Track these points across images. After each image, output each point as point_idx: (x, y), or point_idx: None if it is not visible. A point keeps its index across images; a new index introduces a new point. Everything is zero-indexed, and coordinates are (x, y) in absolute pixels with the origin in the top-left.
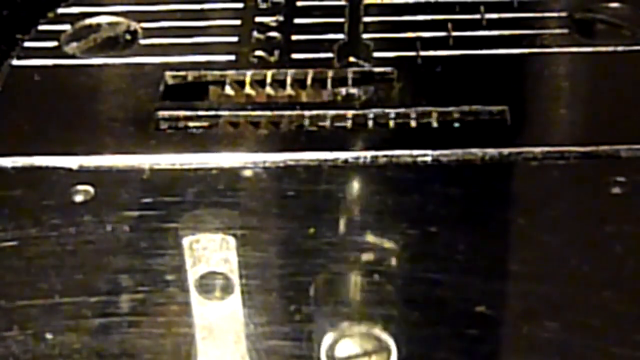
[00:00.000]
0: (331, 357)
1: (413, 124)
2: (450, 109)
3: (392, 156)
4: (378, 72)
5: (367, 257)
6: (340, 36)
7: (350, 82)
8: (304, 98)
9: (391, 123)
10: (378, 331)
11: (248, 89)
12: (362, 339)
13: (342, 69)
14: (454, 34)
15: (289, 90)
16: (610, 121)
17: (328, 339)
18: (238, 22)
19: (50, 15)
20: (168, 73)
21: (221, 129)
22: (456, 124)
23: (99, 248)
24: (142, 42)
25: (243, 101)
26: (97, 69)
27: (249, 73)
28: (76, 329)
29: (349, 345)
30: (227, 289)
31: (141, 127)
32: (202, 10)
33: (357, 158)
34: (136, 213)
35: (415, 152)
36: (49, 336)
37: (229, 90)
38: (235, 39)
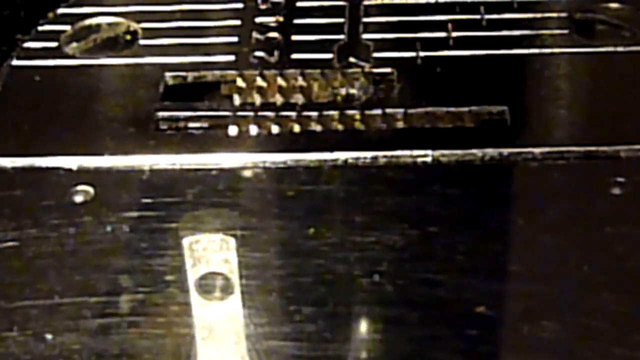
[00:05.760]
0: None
1: (412, 124)
2: (450, 109)
3: (392, 156)
4: (378, 72)
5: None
6: (340, 36)
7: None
8: (304, 98)
9: (391, 123)
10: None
11: (248, 89)
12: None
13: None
14: (454, 34)
15: (288, 91)
16: (610, 121)
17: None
18: (238, 22)
19: (50, 15)
20: (168, 74)
21: (221, 129)
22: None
23: (99, 248)
24: (142, 42)
25: (243, 101)
26: (97, 69)
27: (249, 73)
28: (76, 330)
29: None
30: (227, 290)
31: (141, 128)
32: (202, 10)
33: (357, 158)
34: (136, 213)
35: (415, 152)
36: (49, 336)
37: (228, 90)
38: (235, 39)
